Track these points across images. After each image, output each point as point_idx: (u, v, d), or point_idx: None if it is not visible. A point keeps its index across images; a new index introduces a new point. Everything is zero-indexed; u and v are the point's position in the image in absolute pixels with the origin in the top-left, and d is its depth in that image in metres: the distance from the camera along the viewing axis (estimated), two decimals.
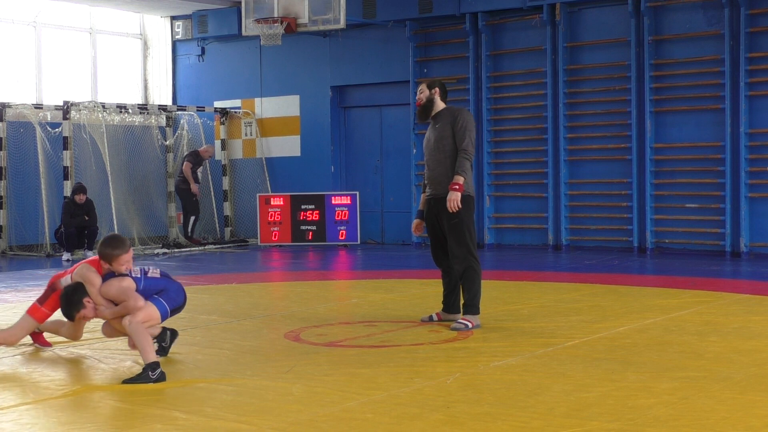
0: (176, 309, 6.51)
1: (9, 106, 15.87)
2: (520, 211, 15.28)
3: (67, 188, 15.14)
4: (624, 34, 14.23)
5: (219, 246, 16.66)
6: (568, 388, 5.41)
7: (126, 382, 5.67)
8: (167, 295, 6.38)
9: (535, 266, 12.68)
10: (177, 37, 18.44)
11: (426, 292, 9.72)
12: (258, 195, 16.46)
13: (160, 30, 18.64)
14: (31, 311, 6.68)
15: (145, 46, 18.85)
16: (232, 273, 12.56)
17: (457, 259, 7.49)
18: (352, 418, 4.84)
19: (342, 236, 15.90)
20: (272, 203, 16.16)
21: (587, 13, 14.64)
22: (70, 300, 6.27)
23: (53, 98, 16.79)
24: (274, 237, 16.12)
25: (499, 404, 5.06)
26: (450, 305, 7.80)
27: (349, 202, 15.90)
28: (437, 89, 7.69)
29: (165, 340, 6.49)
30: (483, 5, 15.13)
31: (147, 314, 6.16)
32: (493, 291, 10.13)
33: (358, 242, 15.97)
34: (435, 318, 7.81)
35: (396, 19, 15.95)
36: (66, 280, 6.48)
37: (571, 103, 14.74)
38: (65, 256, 14.34)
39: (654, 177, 14.02)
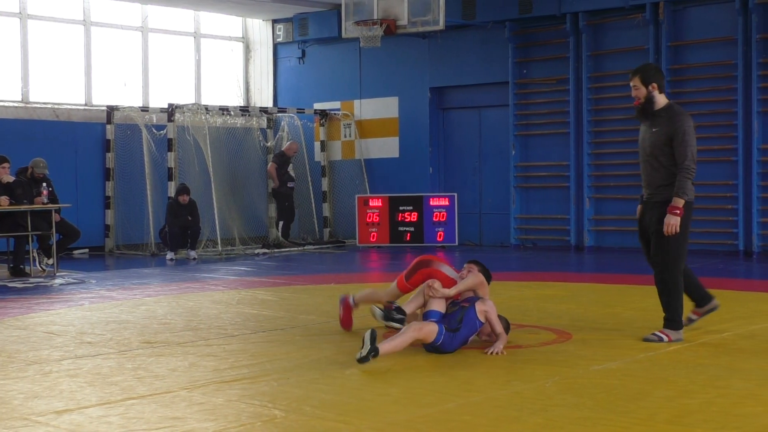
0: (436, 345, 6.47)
1: (117, 108, 16.34)
2: (621, 213, 15.02)
3: (171, 189, 15.49)
4: (731, 32, 13.88)
5: (318, 246, 16.82)
6: (671, 394, 5.30)
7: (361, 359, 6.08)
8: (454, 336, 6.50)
9: (637, 269, 12.44)
10: (278, 39, 18.71)
11: (524, 294, 9.64)
12: (356, 196, 16.57)
13: (261, 33, 18.95)
14: (398, 284, 7.22)
15: (247, 49, 19.17)
16: (331, 273, 12.67)
17: (656, 266, 7.08)
18: (450, 420, 4.84)
19: (440, 238, 15.89)
20: (370, 204, 16.25)
21: (692, 11, 14.32)
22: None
23: (159, 101, 17.23)
24: (372, 238, 16.21)
25: (598, 409, 4.99)
26: (700, 299, 7.34)
27: (447, 203, 15.88)
28: (655, 84, 7.02)
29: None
30: (584, 5, 14.94)
31: (429, 329, 6.43)
32: (593, 294, 10.00)
33: (456, 244, 15.94)
34: (694, 317, 7.34)
35: (495, 20, 15.87)
36: (445, 269, 7.09)
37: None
38: (169, 255, 14.67)
39: (761, 179, 13.64)
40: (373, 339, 6.15)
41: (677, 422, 4.71)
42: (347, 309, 7.58)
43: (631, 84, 7.10)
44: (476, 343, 6.74)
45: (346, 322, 7.58)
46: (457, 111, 17.11)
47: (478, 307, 6.62)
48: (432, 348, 6.49)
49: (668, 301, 7.01)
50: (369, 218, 16.22)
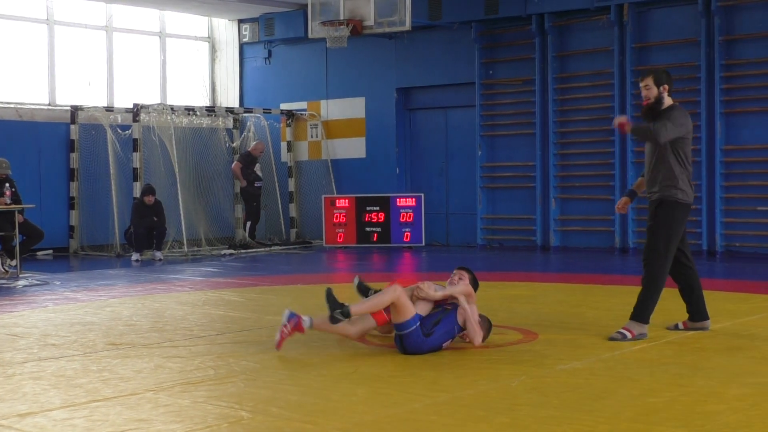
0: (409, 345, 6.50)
1: (81, 108, 16.20)
2: (586, 213, 15.14)
3: (137, 189, 15.39)
4: (694, 34, 14.02)
5: (284, 247, 16.78)
6: (635, 392, 5.35)
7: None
8: (433, 333, 6.53)
9: (602, 269, 12.55)
10: (244, 40, 18.64)
11: (491, 294, 9.67)
12: (323, 196, 16.54)
13: (227, 33, 18.87)
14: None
15: (213, 49, 19.09)
16: (298, 274, 12.65)
17: (643, 261, 7.10)
18: (416, 420, 4.85)
19: (407, 238, 15.91)
20: (337, 205, 16.23)
21: (656, 13, 14.45)
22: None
23: (124, 101, 17.11)
24: (339, 238, 16.19)
25: (564, 408, 5.02)
26: (694, 313, 7.35)
27: (414, 203, 15.90)
28: (666, 86, 7.14)
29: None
30: (550, 6, 15.02)
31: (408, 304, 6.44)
32: (559, 294, 10.06)
33: (423, 244, 15.96)
34: (681, 327, 7.38)
35: (461, 21, 15.92)
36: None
37: (639, 104, 14.50)
38: (134, 256, 14.57)
39: (724, 179, 13.79)
40: (329, 295, 6.48)
41: (642, 420, 4.75)
42: (294, 331, 6.62)
43: (642, 84, 7.20)
44: (457, 342, 6.76)
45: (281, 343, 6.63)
46: (424, 111, 17.14)
47: (460, 310, 6.66)
48: (402, 347, 6.49)
49: (643, 294, 7.06)
50: (336, 219, 16.21)
